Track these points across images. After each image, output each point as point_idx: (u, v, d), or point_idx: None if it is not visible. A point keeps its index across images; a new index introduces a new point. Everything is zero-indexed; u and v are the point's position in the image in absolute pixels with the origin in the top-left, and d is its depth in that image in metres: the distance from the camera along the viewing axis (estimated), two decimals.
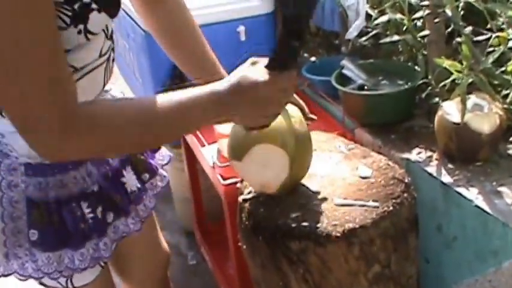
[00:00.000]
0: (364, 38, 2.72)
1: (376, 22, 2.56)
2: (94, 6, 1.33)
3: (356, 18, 2.66)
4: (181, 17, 1.74)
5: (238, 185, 1.89)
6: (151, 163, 1.79)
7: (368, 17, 2.65)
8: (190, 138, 2.64)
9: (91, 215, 1.59)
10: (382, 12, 2.56)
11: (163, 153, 1.86)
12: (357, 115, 2.45)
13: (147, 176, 1.77)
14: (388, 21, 2.50)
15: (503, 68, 2.05)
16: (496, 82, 2.09)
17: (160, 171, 1.83)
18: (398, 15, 2.43)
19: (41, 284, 1.66)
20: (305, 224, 1.62)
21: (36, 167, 1.51)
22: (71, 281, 1.65)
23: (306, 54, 3.21)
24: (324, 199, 1.70)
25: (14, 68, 1.14)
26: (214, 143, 2.44)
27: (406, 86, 2.38)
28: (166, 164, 1.87)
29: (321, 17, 3.06)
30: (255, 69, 1.43)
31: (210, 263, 3.00)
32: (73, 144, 1.24)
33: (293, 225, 1.62)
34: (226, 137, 2.28)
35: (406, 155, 2.19)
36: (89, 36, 1.36)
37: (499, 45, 2.02)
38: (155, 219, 1.97)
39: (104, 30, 1.47)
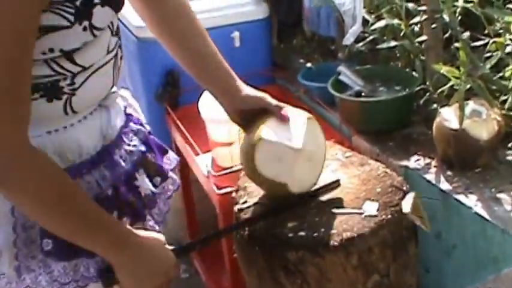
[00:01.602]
0: (361, 44, 2.72)
1: (373, 27, 2.57)
2: (97, 0, 1.32)
3: (353, 24, 2.65)
4: (186, 17, 1.71)
5: (234, 194, 1.87)
6: (162, 166, 1.77)
7: (365, 22, 2.65)
8: (184, 147, 2.62)
9: None
10: (379, 18, 2.57)
11: (171, 157, 1.83)
12: (354, 122, 2.44)
13: (158, 179, 1.73)
14: (385, 26, 2.51)
15: (501, 74, 2.05)
16: (494, 88, 2.10)
17: (171, 174, 1.80)
18: (396, 21, 2.44)
19: None
20: (302, 233, 1.61)
21: None
22: None
23: (301, 60, 3.20)
24: (321, 207, 1.69)
25: None
26: (209, 152, 2.43)
27: (404, 92, 2.38)
28: (173, 168, 1.85)
29: (316, 22, 3.05)
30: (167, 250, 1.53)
31: (203, 276, 2.97)
32: (14, 177, 1.27)
33: (290, 234, 1.61)
34: (221, 145, 2.28)
35: (404, 163, 2.19)
36: (95, 32, 1.35)
37: (497, 50, 2.03)
38: None
39: (109, 26, 1.45)
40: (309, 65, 3.05)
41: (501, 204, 1.87)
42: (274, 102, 1.71)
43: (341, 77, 2.56)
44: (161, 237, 1.54)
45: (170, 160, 1.80)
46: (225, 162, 2.35)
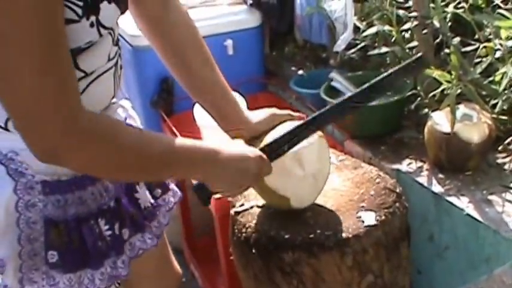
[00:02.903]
0: (352, 50, 2.74)
1: (364, 34, 2.58)
2: None
3: (344, 31, 2.68)
4: (186, 33, 1.71)
5: (230, 198, 1.89)
6: None
7: (356, 29, 2.66)
8: None
9: (109, 232, 1.55)
10: (370, 24, 2.58)
11: None
12: (346, 127, 2.46)
13: (159, 191, 1.74)
14: (376, 33, 2.52)
15: (491, 78, 2.07)
16: (484, 92, 2.11)
17: (172, 186, 1.81)
18: (387, 27, 2.45)
19: None
20: (298, 234, 1.62)
21: (53, 184, 1.47)
22: None
23: (293, 68, 3.22)
24: (317, 210, 1.70)
25: (25, 64, 1.15)
26: None
27: (395, 98, 2.39)
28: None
29: (308, 30, 3.07)
30: (253, 149, 1.54)
31: (200, 280, 2.97)
32: (71, 149, 1.23)
33: (286, 236, 1.62)
34: None
35: (396, 166, 2.21)
36: (102, 31, 1.35)
37: (487, 55, 2.05)
38: (165, 237, 1.94)
39: (110, 34, 1.46)
40: (300, 72, 3.07)
41: (492, 206, 1.88)
42: (284, 112, 1.74)
43: (333, 84, 2.57)
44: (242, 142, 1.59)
45: None
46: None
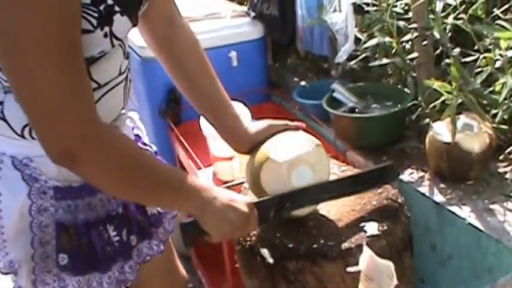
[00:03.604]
0: (353, 62, 2.75)
1: (365, 46, 2.59)
2: (117, 8, 1.37)
3: (345, 42, 2.69)
4: (191, 51, 1.77)
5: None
6: None
7: (357, 40, 2.68)
8: (187, 161, 2.66)
9: (117, 238, 1.59)
10: (370, 36, 2.59)
11: None
12: (348, 137, 2.47)
13: None
14: (377, 44, 2.53)
15: (491, 88, 2.08)
16: (485, 102, 2.12)
17: None
18: (387, 39, 2.46)
19: None
20: (301, 244, 1.64)
21: (65, 190, 1.51)
22: None
23: (295, 79, 3.24)
24: (320, 219, 1.72)
25: (51, 63, 1.21)
26: (210, 166, 2.47)
27: (396, 108, 2.41)
28: None
29: (310, 41, 3.09)
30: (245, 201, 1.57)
31: (206, 286, 3.00)
32: (87, 154, 1.28)
33: (290, 245, 1.64)
34: (222, 160, 2.30)
35: None
36: (114, 41, 1.40)
37: (487, 65, 2.05)
38: (171, 243, 1.97)
39: (121, 46, 1.52)
40: (303, 83, 3.09)
41: (494, 215, 1.89)
42: (281, 122, 1.79)
43: (335, 94, 2.59)
44: (237, 196, 1.58)
45: None
46: (226, 176, 2.38)
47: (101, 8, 1.33)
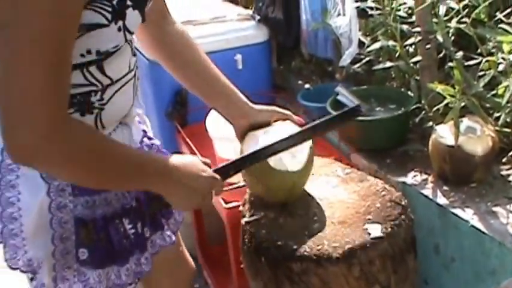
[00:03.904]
0: (357, 65, 2.76)
1: (368, 49, 2.60)
2: (129, 2, 1.41)
3: (349, 46, 2.70)
4: (185, 43, 1.83)
5: (241, 208, 1.92)
6: None
7: (361, 44, 2.69)
8: None
9: (132, 231, 1.62)
10: (374, 40, 2.61)
11: None
12: (352, 140, 2.48)
13: None
14: (381, 48, 2.54)
15: (494, 91, 2.09)
16: (487, 105, 2.13)
17: None
18: (391, 42, 2.47)
19: None
20: (306, 245, 1.65)
21: (82, 187, 1.54)
22: None
23: (300, 82, 3.25)
24: (324, 221, 1.73)
25: (24, 61, 1.22)
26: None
27: (400, 111, 2.42)
28: None
29: (314, 44, 3.10)
30: (206, 168, 1.59)
31: (212, 287, 3.01)
32: (51, 149, 1.28)
33: (294, 246, 1.65)
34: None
35: (401, 179, 2.23)
36: (127, 36, 1.45)
37: (490, 69, 2.06)
38: (179, 235, 2.00)
39: (129, 44, 1.56)
40: (307, 86, 3.10)
41: (497, 218, 1.90)
42: (285, 111, 1.85)
43: (339, 97, 2.59)
44: (197, 160, 1.60)
45: None
46: (232, 177, 2.38)
47: (114, 2, 1.36)
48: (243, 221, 1.84)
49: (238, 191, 2.12)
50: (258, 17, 3.29)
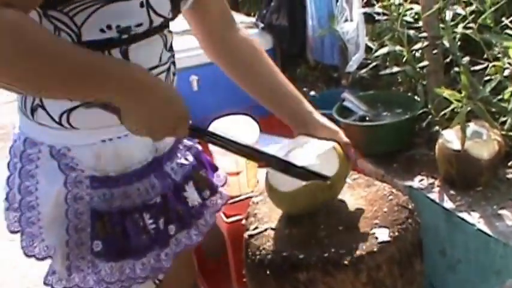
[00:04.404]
0: (363, 70, 2.77)
1: (375, 54, 2.62)
2: None
3: (356, 51, 2.71)
4: (249, 51, 1.81)
5: (244, 221, 1.91)
6: (212, 181, 1.83)
7: (367, 49, 2.70)
8: None
9: (153, 226, 1.61)
10: (381, 45, 2.62)
11: (220, 175, 1.88)
12: (359, 146, 2.47)
13: (208, 193, 1.80)
14: (388, 53, 2.55)
15: (500, 96, 2.10)
16: (493, 110, 2.14)
17: (220, 189, 1.86)
18: (398, 47, 2.48)
19: None
20: (312, 254, 1.64)
21: (101, 179, 1.55)
22: None
23: (305, 88, 3.26)
24: (330, 228, 1.73)
25: None
26: None
27: (407, 116, 2.42)
28: (223, 184, 1.90)
29: (320, 51, 3.11)
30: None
31: None
32: None
33: (300, 256, 1.64)
34: (229, 175, 2.31)
35: (408, 183, 2.24)
36: (152, 15, 1.43)
37: (496, 74, 2.07)
38: None
39: (162, 37, 1.54)
40: (312, 93, 3.11)
41: (503, 220, 1.91)
42: (346, 140, 1.75)
43: (345, 103, 2.60)
44: (173, 88, 1.48)
45: (220, 177, 1.86)
46: (233, 191, 2.37)
47: None
48: (246, 234, 1.83)
49: (238, 205, 2.12)
50: (261, 25, 3.29)
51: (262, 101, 1.79)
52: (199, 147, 1.83)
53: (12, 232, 1.64)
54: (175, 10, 1.55)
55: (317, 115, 1.77)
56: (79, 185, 1.54)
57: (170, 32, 1.60)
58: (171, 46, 1.62)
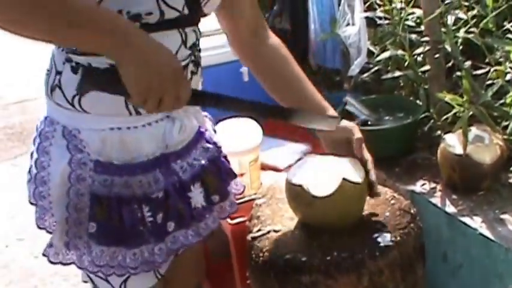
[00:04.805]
0: (366, 74, 2.77)
1: (377, 59, 2.62)
2: None
3: (358, 55, 2.71)
4: (281, 57, 1.85)
5: (247, 223, 1.93)
6: (225, 188, 1.82)
7: (369, 53, 2.70)
8: None
9: (150, 219, 1.62)
10: (383, 49, 2.62)
11: (238, 183, 1.88)
12: None
13: (217, 198, 1.77)
14: (390, 57, 2.55)
15: (502, 101, 2.10)
16: (496, 114, 2.14)
17: (231, 197, 1.85)
18: (400, 52, 2.48)
19: None
20: (315, 257, 1.65)
21: (105, 165, 1.57)
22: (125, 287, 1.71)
23: None
24: (333, 232, 1.73)
25: None
26: None
27: (409, 120, 2.43)
28: (241, 193, 1.91)
29: (322, 55, 3.11)
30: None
31: None
32: None
33: (303, 259, 1.65)
34: None
35: (410, 187, 2.24)
36: (162, 5, 1.44)
37: (498, 78, 2.08)
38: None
39: (180, 33, 1.55)
40: None
41: (505, 225, 1.91)
42: (358, 135, 1.78)
43: (347, 107, 2.59)
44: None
45: (237, 185, 1.86)
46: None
47: None
48: (249, 236, 1.84)
49: (243, 207, 2.12)
50: None
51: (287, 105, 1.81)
52: (222, 152, 1.81)
53: (31, 204, 1.67)
54: (195, 7, 1.55)
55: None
56: (83, 167, 1.57)
57: (195, 31, 1.61)
58: (193, 44, 1.62)
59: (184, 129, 1.65)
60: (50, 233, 1.66)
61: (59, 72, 1.54)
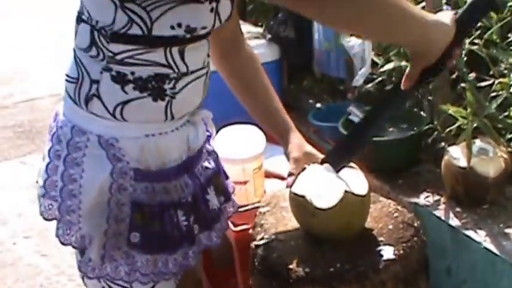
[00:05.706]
0: (369, 85, 2.77)
1: (382, 69, 2.61)
2: None
3: (362, 66, 2.71)
4: (253, 68, 1.91)
5: (251, 231, 1.92)
6: (228, 188, 1.85)
7: (373, 64, 2.70)
8: None
9: (185, 223, 1.63)
10: (387, 60, 2.61)
11: (230, 184, 1.91)
12: (364, 161, 2.47)
13: (222, 199, 1.81)
14: (393, 68, 2.55)
15: (506, 113, 2.10)
16: (500, 126, 2.14)
17: (233, 197, 1.88)
18: (403, 63, 2.47)
19: None
20: (317, 268, 1.64)
21: (144, 173, 1.57)
22: None
23: (311, 101, 3.26)
24: (336, 243, 1.72)
25: None
26: None
27: (412, 132, 2.42)
28: (232, 192, 1.92)
29: (327, 64, 3.11)
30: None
31: None
32: None
33: (306, 269, 1.64)
34: (236, 184, 2.31)
35: (414, 200, 2.23)
36: (217, 22, 1.50)
37: (502, 90, 2.07)
38: None
39: (208, 42, 1.60)
40: (318, 105, 3.10)
41: (509, 239, 1.90)
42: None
43: (351, 117, 2.60)
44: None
45: (229, 185, 1.88)
46: (240, 200, 2.36)
47: None
48: (252, 244, 1.83)
49: (247, 214, 2.12)
50: (269, 36, 3.30)
51: (253, 115, 1.92)
52: (217, 153, 1.85)
53: (46, 219, 1.67)
54: (229, 17, 1.60)
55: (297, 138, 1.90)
56: (124, 176, 1.56)
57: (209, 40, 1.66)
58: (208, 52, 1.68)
59: (203, 132, 1.71)
60: (76, 248, 1.63)
61: (95, 81, 1.53)
